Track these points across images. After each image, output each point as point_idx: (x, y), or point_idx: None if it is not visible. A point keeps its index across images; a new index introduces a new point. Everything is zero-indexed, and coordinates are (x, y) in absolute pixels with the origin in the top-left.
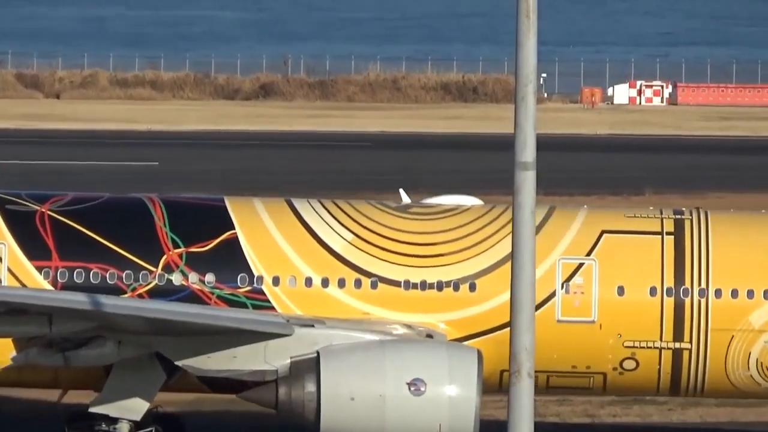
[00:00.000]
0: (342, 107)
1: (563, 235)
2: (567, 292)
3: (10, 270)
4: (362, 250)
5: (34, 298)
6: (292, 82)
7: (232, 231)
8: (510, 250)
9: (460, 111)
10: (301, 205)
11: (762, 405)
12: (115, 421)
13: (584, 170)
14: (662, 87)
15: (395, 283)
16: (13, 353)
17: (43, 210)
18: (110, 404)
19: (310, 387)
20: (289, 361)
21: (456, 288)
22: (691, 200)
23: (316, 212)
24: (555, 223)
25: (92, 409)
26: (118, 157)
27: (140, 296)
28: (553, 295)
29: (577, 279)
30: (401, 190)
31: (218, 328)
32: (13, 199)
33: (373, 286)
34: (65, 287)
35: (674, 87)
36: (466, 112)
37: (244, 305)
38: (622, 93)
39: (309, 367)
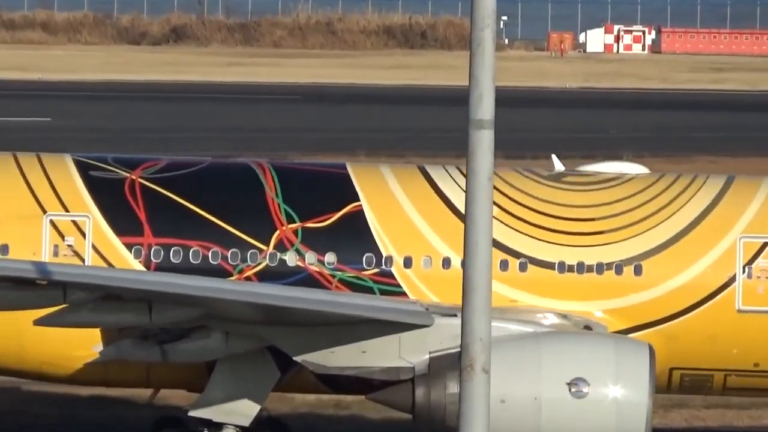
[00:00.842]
0: (267, 54)
1: (745, 209)
2: (749, 276)
3: (94, 247)
4: (509, 226)
5: (132, 281)
6: (208, 24)
7: (357, 203)
8: (684, 225)
9: (406, 59)
10: (436, 172)
11: (757, 406)
12: (219, 426)
13: (551, 129)
14: (644, 32)
15: (547, 265)
16: (99, 346)
17: (134, 177)
18: (214, 407)
19: (453, 388)
20: (427, 356)
21: (619, 271)
22: (677, 165)
23: (455, 181)
24: (735, 196)
25: (193, 413)
26: (2, 112)
27: (248, 279)
28: (732, 280)
29: (762, 261)
30: (554, 156)
31: (346, 317)
32: (98, 164)
33: (522, 268)
34: (160, 268)
35: (658, 32)
36: (413, 60)
37: (370, 290)
38: (596, 39)
39: (451, 364)
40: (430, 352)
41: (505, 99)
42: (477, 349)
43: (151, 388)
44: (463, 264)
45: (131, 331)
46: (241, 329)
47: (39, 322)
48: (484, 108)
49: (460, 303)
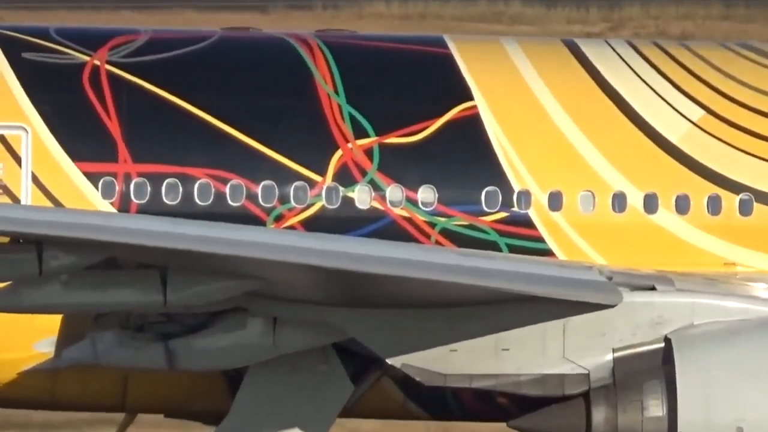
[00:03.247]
0: None
1: None
2: None
3: (36, 179)
4: (722, 141)
5: (138, 234)
6: None
7: (469, 102)
8: None
9: None
10: (594, 49)
11: None
12: None
13: None
14: None
15: None
16: (48, 344)
17: (97, 62)
18: None
19: (655, 407)
20: (610, 356)
21: None
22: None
23: (627, 64)
24: None
25: None
26: None
27: (291, 229)
28: None
29: None
30: None
31: (476, 292)
32: (38, 41)
33: (744, 209)
34: (143, 211)
35: None
36: None
37: (492, 245)
38: None
39: (651, 369)
40: (614, 350)
41: None
42: None
43: (125, 412)
44: (646, 205)
45: (110, 319)
46: (299, 313)
47: None
48: None
49: (652, 266)
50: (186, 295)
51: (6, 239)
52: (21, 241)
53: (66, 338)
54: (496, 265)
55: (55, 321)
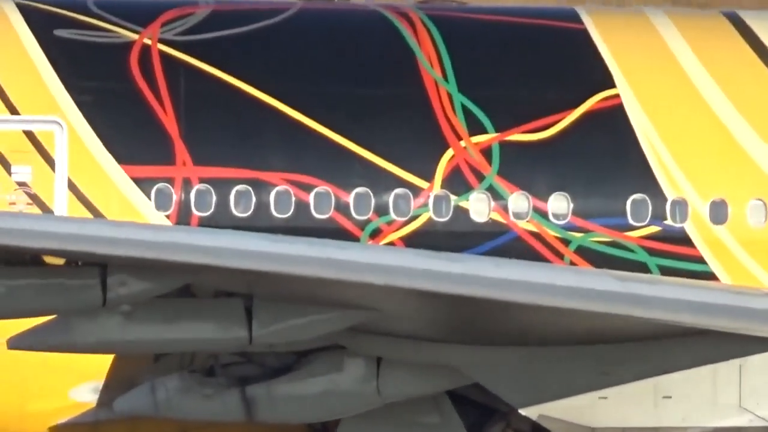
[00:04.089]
0: None
1: None
2: None
3: (72, 186)
4: None
5: (235, 254)
6: None
7: (610, 90)
8: None
9: None
10: (763, 23)
11: None
12: None
13: None
14: None
15: None
16: (89, 390)
17: (148, 40)
18: None
19: None
20: None
21: None
22: None
23: None
24: None
25: None
26: None
27: (391, 246)
28: None
29: None
30: None
31: (638, 324)
32: (74, 15)
33: None
34: (206, 225)
35: None
36: None
37: (640, 267)
38: None
39: None
40: None
41: None
42: None
43: None
44: None
45: (174, 360)
46: (409, 352)
47: (17, 342)
48: None
49: None
50: (275, 330)
51: (60, 261)
52: (80, 263)
53: (114, 384)
54: (659, 291)
55: (96, 362)
